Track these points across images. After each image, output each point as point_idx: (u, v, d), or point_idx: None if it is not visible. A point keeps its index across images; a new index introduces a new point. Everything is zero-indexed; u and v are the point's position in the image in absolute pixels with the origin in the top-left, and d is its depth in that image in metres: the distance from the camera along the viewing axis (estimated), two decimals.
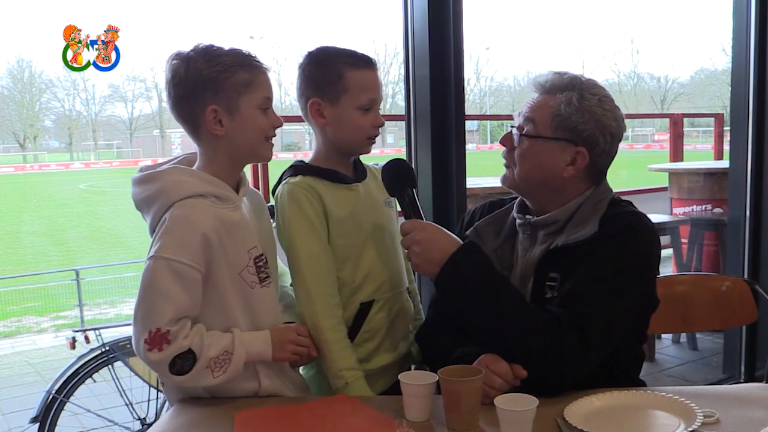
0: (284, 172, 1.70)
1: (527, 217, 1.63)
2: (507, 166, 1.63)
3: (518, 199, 1.69)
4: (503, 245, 1.66)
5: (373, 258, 1.69)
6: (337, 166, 1.69)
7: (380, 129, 1.67)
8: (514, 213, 1.68)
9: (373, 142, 1.68)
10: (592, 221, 1.53)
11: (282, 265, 1.70)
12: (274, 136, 1.53)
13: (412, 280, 1.86)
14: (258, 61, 1.48)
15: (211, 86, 1.42)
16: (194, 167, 1.50)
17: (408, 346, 1.79)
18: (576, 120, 1.54)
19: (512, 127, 1.61)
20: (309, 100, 1.64)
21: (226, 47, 1.46)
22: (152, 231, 1.45)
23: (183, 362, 1.39)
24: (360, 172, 1.73)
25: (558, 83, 1.57)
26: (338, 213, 1.64)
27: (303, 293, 1.62)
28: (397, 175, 1.61)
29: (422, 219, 1.55)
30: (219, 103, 1.43)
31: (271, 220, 1.67)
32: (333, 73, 1.61)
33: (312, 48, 1.67)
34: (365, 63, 1.64)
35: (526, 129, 1.58)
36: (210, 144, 1.48)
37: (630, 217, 1.55)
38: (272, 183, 1.74)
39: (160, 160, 1.57)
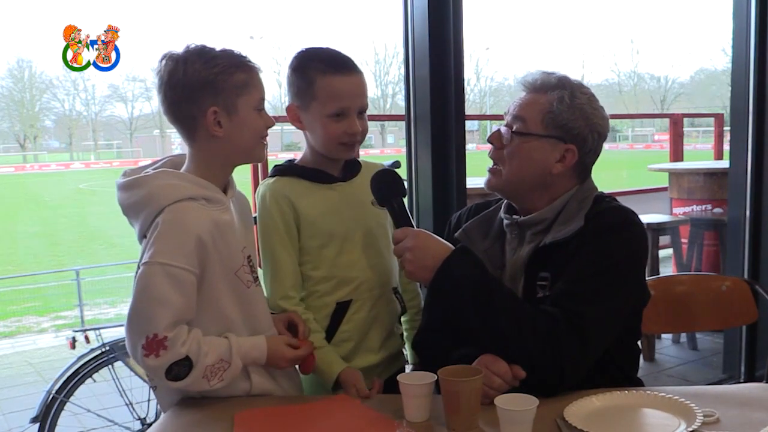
0: (270, 171, 1.72)
1: (514, 217, 1.63)
2: (494, 166, 1.63)
3: (505, 200, 1.69)
4: (493, 246, 1.67)
5: (353, 258, 1.68)
6: (324, 165, 1.68)
7: (367, 133, 1.64)
8: (502, 214, 1.68)
9: (352, 148, 1.64)
10: (577, 217, 1.54)
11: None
12: (267, 136, 1.53)
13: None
14: (252, 62, 1.48)
15: (211, 88, 1.42)
16: (182, 169, 1.49)
17: (395, 347, 1.77)
18: (567, 117, 1.55)
19: (501, 126, 1.62)
20: (288, 104, 1.65)
21: (218, 48, 1.46)
22: (141, 236, 1.44)
23: (180, 369, 1.38)
24: (350, 170, 1.71)
25: (548, 82, 1.58)
26: (312, 214, 1.64)
27: (266, 286, 1.66)
28: (383, 185, 1.59)
29: (413, 226, 1.55)
30: (218, 104, 1.43)
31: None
32: (304, 80, 1.60)
33: (300, 49, 1.65)
34: (337, 69, 1.58)
35: (515, 127, 1.58)
36: (205, 145, 1.47)
37: (617, 212, 1.56)
38: None
39: (146, 163, 1.56)
